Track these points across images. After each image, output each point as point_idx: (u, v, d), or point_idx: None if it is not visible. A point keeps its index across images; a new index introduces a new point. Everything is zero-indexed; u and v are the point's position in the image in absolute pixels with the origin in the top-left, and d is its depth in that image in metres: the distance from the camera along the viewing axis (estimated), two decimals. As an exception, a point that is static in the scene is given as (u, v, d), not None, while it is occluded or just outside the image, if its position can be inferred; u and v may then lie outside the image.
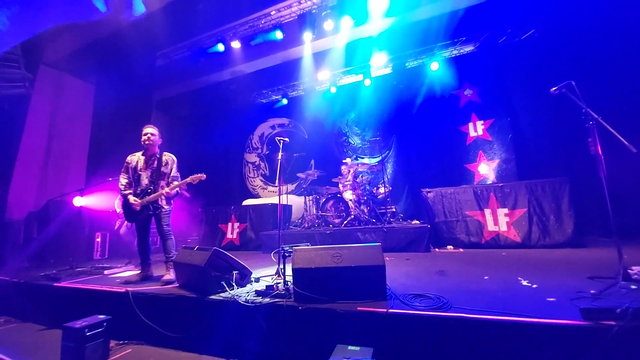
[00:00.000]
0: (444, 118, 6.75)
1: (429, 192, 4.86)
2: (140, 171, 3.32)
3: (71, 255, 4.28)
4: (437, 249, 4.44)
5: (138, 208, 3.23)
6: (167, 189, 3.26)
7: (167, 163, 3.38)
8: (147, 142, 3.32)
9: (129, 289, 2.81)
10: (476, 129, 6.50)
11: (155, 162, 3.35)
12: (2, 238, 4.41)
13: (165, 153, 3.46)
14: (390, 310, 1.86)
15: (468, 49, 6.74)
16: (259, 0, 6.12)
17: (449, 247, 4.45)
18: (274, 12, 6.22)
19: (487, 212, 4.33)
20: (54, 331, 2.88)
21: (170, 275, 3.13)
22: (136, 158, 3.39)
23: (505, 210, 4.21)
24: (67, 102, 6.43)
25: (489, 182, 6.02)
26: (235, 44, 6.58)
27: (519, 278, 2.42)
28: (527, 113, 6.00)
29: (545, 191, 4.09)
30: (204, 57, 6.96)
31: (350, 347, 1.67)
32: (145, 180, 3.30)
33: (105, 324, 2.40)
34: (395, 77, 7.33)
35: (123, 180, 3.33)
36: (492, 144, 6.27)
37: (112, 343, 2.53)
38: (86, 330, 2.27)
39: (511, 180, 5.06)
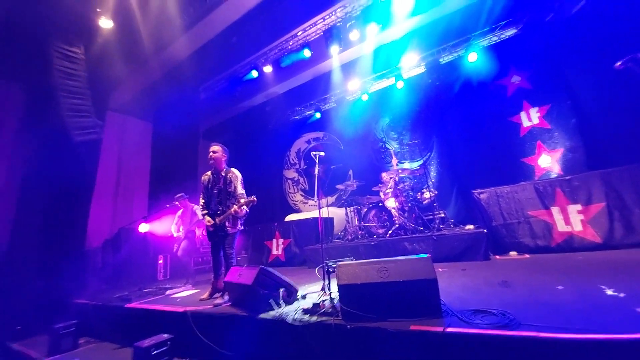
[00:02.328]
0: (490, 110, 6.22)
1: (481, 192, 4.45)
2: (212, 190, 3.30)
3: (139, 277, 4.75)
4: (497, 256, 3.99)
5: (211, 229, 3.22)
6: (235, 207, 3.09)
7: (231, 181, 3.29)
8: (211, 161, 3.32)
9: (187, 308, 3.00)
10: (530, 117, 5.86)
11: (222, 180, 3.29)
12: (84, 265, 5.12)
13: (230, 170, 3.37)
14: (448, 330, 1.69)
15: (510, 32, 6.20)
16: (286, 23, 6.42)
17: (512, 253, 3.96)
18: (300, 33, 6.45)
19: (555, 210, 3.79)
20: (127, 349, 3.17)
21: (223, 299, 3.14)
22: (207, 177, 3.37)
23: (578, 207, 3.64)
24: (130, 141, 7.36)
25: (554, 175, 5.32)
26: (267, 68, 6.94)
27: (602, 286, 2.04)
28: (591, 94, 5.23)
29: (625, 180, 3.46)
30: (240, 84, 7.47)
31: (405, 371, 1.54)
32: (215, 200, 3.25)
33: (169, 342, 2.59)
34: (429, 75, 7.02)
35: (201, 201, 3.35)
36: (552, 132, 5.57)
37: (176, 360, 2.71)
38: (152, 349, 2.47)
39: (581, 172, 4.39)
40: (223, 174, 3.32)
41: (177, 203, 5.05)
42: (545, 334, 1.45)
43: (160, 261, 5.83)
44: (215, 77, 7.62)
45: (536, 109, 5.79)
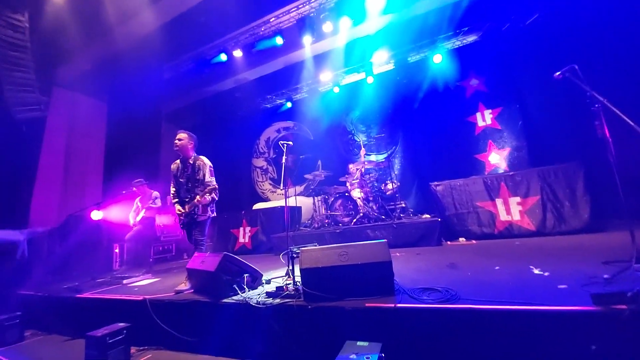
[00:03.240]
0: (451, 110, 6.65)
1: (437, 185, 4.80)
2: (179, 178, 3.26)
3: (92, 267, 4.46)
4: (448, 242, 4.38)
5: (182, 217, 3.18)
6: (198, 197, 3.08)
7: (199, 168, 3.24)
8: (176, 148, 3.26)
9: (146, 296, 2.91)
10: (484, 118, 6.37)
11: (189, 168, 3.24)
12: (27, 254, 4.66)
13: (199, 157, 3.30)
14: (398, 305, 1.86)
15: (471, 38, 6.62)
16: (258, 9, 6.22)
17: (461, 239, 4.37)
18: (273, 19, 6.30)
19: (499, 201, 4.23)
20: (78, 341, 3.00)
21: (185, 285, 3.07)
22: (176, 165, 3.32)
23: (518, 199, 4.10)
24: (81, 121, 6.72)
25: (501, 171, 5.88)
26: (237, 53, 6.70)
27: (531, 267, 2.36)
28: (537, 99, 5.84)
29: (558, 177, 3.96)
30: (208, 67, 7.13)
31: (359, 343, 1.68)
32: (184, 187, 3.23)
33: (125, 331, 2.50)
34: (397, 72, 7.28)
35: (172, 189, 3.31)
36: (501, 133, 6.13)
37: (133, 349, 2.64)
38: (108, 338, 2.37)
39: (524, 168, 4.93)
40: (191, 162, 3.26)
41: (134, 189, 4.76)
42: (480, 306, 1.67)
43: (117, 250, 5.50)
44: (181, 57, 7.19)
45: (490, 110, 6.32)
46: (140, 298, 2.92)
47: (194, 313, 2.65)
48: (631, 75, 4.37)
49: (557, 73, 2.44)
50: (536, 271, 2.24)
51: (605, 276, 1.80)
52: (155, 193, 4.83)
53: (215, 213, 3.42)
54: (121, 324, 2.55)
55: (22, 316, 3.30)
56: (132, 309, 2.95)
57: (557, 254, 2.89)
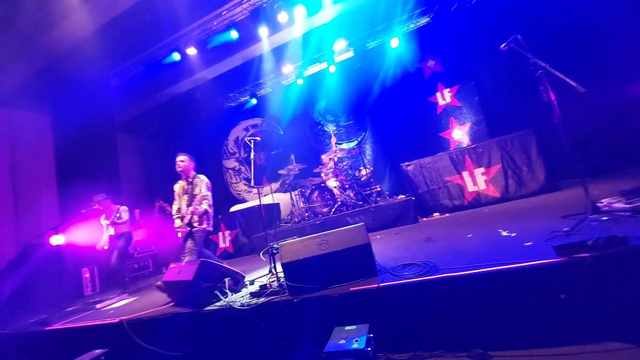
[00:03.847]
0: (412, 92, 6.84)
1: (408, 165, 4.94)
2: (181, 197, 3.56)
3: (59, 296, 4.11)
4: (424, 218, 4.56)
5: (181, 232, 3.43)
6: (190, 208, 3.40)
7: (196, 185, 3.54)
8: (179, 170, 3.56)
9: (122, 318, 2.74)
10: (444, 97, 6.62)
11: (190, 187, 3.54)
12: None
13: (197, 175, 3.62)
14: (381, 285, 1.90)
15: (424, 21, 6.79)
16: (209, 2, 5.92)
17: (435, 214, 4.57)
18: (225, 12, 6.03)
19: (465, 174, 4.45)
20: (53, 375, 2.79)
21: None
22: (178, 185, 3.62)
23: (482, 170, 4.34)
24: (24, 139, 6.07)
25: (464, 145, 6.17)
26: (191, 51, 6.35)
27: (499, 230, 2.52)
28: (489, 74, 6.15)
29: (514, 145, 4.24)
30: (160, 69, 6.70)
31: (347, 328, 1.70)
32: (183, 205, 3.51)
33: (103, 357, 2.34)
34: (358, 59, 7.33)
35: (175, 207, 3.57)
36: (461, 109, 6.41)
37: (115, 374, 2.48)
38: (84, 367, 2.21)
39: (484, 140, 5.21)
40: (190, 180, 3.57)
41: (96, 206, 4.38)
42: (456, 273, 1.75)
43: (87, 275, 5.10)
44: (129, 60, 6.69)
45: (448, 89, 6.57)
46: (117, 320, 2.75)
47: (176, 326, 2.53)
48: (571, 39, 4.73)
49: (503, 45, 2.57)
50: (504, 233, 2.39)
51: (565, 229, 1.95)
52: (123, 207, 4.50)
53: (212, 227, 3.61)
54: (98, 351, 2.39)
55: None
56: (109, 333, 2.77)
57: (521, 215, 3.10)
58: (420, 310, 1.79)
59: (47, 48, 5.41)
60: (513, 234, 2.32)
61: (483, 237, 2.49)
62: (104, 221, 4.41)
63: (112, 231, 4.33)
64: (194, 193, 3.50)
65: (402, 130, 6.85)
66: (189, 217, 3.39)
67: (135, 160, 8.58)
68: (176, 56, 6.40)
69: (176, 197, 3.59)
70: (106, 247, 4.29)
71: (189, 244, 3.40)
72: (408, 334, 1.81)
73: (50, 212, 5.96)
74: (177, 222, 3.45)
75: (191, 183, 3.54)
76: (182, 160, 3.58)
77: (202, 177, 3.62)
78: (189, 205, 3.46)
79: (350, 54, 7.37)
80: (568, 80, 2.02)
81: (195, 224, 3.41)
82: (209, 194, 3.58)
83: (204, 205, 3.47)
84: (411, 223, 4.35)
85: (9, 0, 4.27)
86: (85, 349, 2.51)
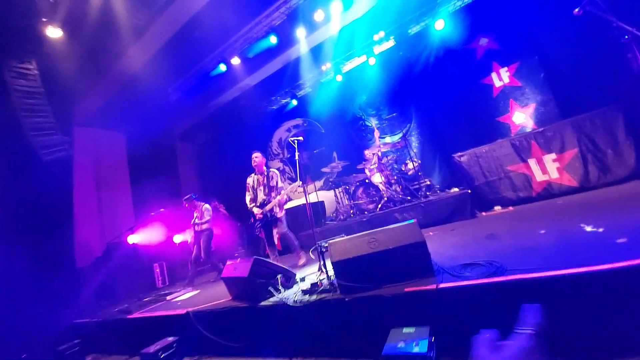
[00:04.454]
0: (463, 75, 6.27)
1: (461, 155, 4.55)
2: (257, 188, 4.04)
3: (136, 288, 4.69)
4: (483, 213, 4.14)
5: (261, 216, 3.89)
6: (278, 197, 3.88)
7: (272, 177, 4.05)
8: (254, 165, 4.08)
9: (189, 309, 3.01)
10: (501, 77, 5.95)
11: (265, 179, 4.02)
12: (78, 285, 5.01)
13: (271, 170, 4.11)
14: (441, 286, 1.76)
15: (472, -5, 6.18)
16: (248, 12, 6.19)
17: (496, 208, 4.12)
18: (263, 19, 6.24)
19: (532, 162, 3.93)
20: (135, 358, 3.17)
21: (303, 260, 3.97)
22: (252, 179, 4.13)
23: (553, 156, 3.78)
24: (104, 154, 7.07)
25: (529, 130, 5.47)
26: (235, 60, 6.71)
27: (581, 225, 2.15)
28: (556, 46, 5.33)
29: (595, 125, 3.60)
30: (210, 81, 7.22)
31: (405, 330, 1.61)
32: (261, 195, 3.98)
33: (175, 344, 2.60)
34: (400, 47, 6.96)
35: (247, 198, 4.08)
36: (522, 89, 5.69)
37: (186, 359, 2.73)
38: (160, 352, 2.48)
39: (554, 123, 4.55)
40: (265, 173, 4.07)
41: (186, 205, 4.98)
42: (530, 275, 1.53)
43: (157, 269, 5.77)
44: (183, 76, 7.34)
45: (505, 68, 5.88)
46: (184, 312, 3.02)
47: (236, 319, 2.69)
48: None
49: (576, 9, 2.19)
50: (588, 228, 2.04)
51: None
52: (205, 206, 5.03)
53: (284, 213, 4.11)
54: (171, 338, 2.65)
55: (81, 343, 3.53)
56: (178, 323, 3.05)
57: (607, 206, 2.64)
58: (484, 314, 1.61)
59: (117, 74, 6.20)
60: (600, 229, 1.97)
61: (560, 234, 2.16)
62: (196, 219, 5.00)
63: (198, 227, 4.88)
64: (271, 185, 3.93)
65: (453, 119, 6.34)
66: (272, 205, 3.84)
67: (192, 166, 9.43)
68: (222, 67, 6.83)
69: (249, 189, 4.05)
70: (190, 242, 4.84)
71: (280, 229, 3.91)
72: (469, 339, 1.64)
73: (127, 214, 6.86)
74: (257, 210, 3.89)
75: (266, 176, 3.99)
76: (257, 157, 4.07)
77: (275, 170, 4.11)
78: (267, 195, 3.90)
79: (391, 43, 7.03)
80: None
81: (277, 211, 3.89)
82: (283, 185, 4.11)
83: (286, 196, 3.99)
84: (468, 218, 3.99)
85: (79, 36, 4.96)
86: (160, 335, 2.82)
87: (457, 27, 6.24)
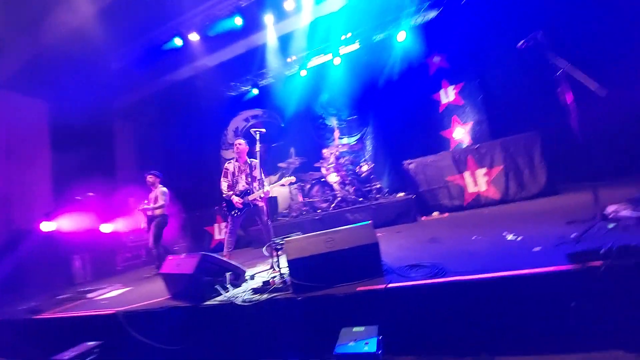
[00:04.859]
0: (417, 88, 6.74)
1: (410, 163, 4.91)
2: (238, 176, 3.89)
3: (50, 283, 4.02)
4: (423, 217, 4.55)
5: (241, 206, 3.74)
6: (267, 188, 3.61)
7: (255, 167, 3.78)
8: (237, 152, 3.93)
9: (118, 309, 2.68)
10: (448, 94, 6.55)
11: (248, 167, 3.88)
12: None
13: (253, 160, 3.89)
14: (389, 286, 1.86)
15: (432, 14, 6.65)
16: (214, -15, 5.72)
17: (434, 213, 4.56)
18: (230, -4, 5.84)
19: (467, 174, 4.44)
20: (44, 365, 2.72)
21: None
22: (232, 165, 3.96)
23: (484, 170, 4.33)
24: (20, 123, 5.86)
25: (465, 145, 6.13)
26: (194, 36, 6.17)
27: (504, 233, 2.49)
28: (496, 72, 6.05)
29: (518, 146, 4.23)
30: (161, 54, 6.51)
31: (355, 329, 1.66)
32: (242, 183, 3.86)
33: (97, 350, 2.28)
34: (364, 52, 7.19)
35: (224, 184, 3.89)
36: (464, 108, 6.35)
37: (110, 367, 2.43)
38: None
39: (485, 141, 5.17)
40: (248, 162, 3.93)
41: (149, 180, 4.50)
42: (467, 277, 1.71)
43: (77, 263, 5.00)
44: (129, 45, 6.46)
45: (453, 86, 6.50)
46: (112, 311, 2.68)
47: (175, 320, 2.47)
48: (592, 36, 4.55)
49: (521, 42, 2.46)
50: (510, 237, 2.37)
51: (573, 235, 1.93)
52: (162, 189, 4.54)
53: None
54: (91, 343, 2.33)
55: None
56: (103, 325, 2.70)
57: (523, 219, 3.09)
58: (427, 312, 1.76)
59: (47, 29, 5.18)
60: (519, 238, 2.30)
61: (488, 240, 2.47)
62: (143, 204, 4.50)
63: (150, 212, 4.44)
64: (254, 174, 3.79)
65: (404, 127, 6.77)
66: (256, 195, 3.74)
67: (130, 147, 8.37)
68: (178, 41, 6.22)
69: (228, 175, 3.90)
70: (143, 227, 4.42)
71: (263, 217, 3.70)
72: (414, 337, 1.78)
73: (44, 198, 5.80)
74: (237, 199, 3.73)
75: (249, 165, 3.88)
76: (241, 144, 3.93)
77: (257, 160, 3.77)
78: (249, 184, 3.80)
79: (356, 46, 7.22)
80: (590, 82, 1.96)
81: (259, 200, 3.78)
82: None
83: (270, 187, 3.83)
84: (411, 222, 4.34)
85: None
86: (77, 339, 2.45)
87: (416, 42, 6.67)
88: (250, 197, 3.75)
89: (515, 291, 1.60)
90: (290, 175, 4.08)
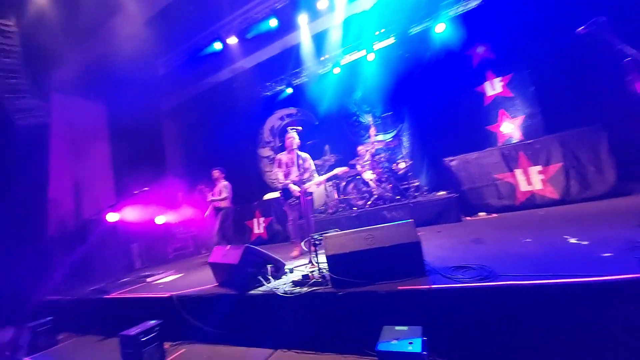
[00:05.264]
0: (458, 81, 6.36)
1: (451, 160, 4.67)
2: (289, 167, 3.93)
3: (113, 268, 4.51)
4: (468, 217, 4.29)
5: (299, 194, 3.70)
6: (322, 178, 3.86)
7: (305, 159, 3.95)
8: (288, 144, 3.96)
9: (173, 293, 2.93)
10: (494, 86, 6.10)
11: (299, 159, 3.89)
12: (50, 261, 4.74)
13: (302, 153, 3.99)
14: (434, 286, 1.80)
15: (474, 3, 6.21)
16: (250, -10, 5.95)
17: (480, 213, 4.28)
18: (265, -1, 6.02)
19: (518, 172, 4.09)
20: (112, 340, 3.06)
21: (297, 253, 3.79)
22: (285, 156, 4.02)
23: (539, 168, 3.96)
24: (84, 125, 6.64)
25: (515, 140, 5.68)
26: (232, 40, 6.46)
27: (565, 236, 2.27)
28: (548, 61, 5.51)
29: (580, 142, 3.80)
30: (202, 58, 6.93)
31: (397, 328, 1.64)
32: (295, 174, 3.84)
33: (157, 328, 2.53)
34: (399, 46, 6.95)
35: (280, 174, 3.95)
36: (513, 100, 5.87)
37: (167, 345, 2.68)
38: (141, 336, 2.40)
39: (539, 136, 4.73)
40: (299, 154, 3.94)
41: (215, 175, 4.99)
42: (521, 282, 1.59)
43: (136, 250, 5.58)
44: (173, 51, 6.98)
45: (500, 78, 6.03)
46: (167, 295, 2.94)
47: (221, 306, 2.65)
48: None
49: (581, 28, 2.23)
50: (573, 240, 2.15)
51: (651, 240, 1.71)
52: (224, 183, 4.98)
53: None
54: (152, 322, 2.57)
55: (53, 321, 3.37)
56: (160, 306, 2.98)
57: (588, 221, 2.79)
58: (477, 318, 1.67)
59: (103, 39, 5.79)
60: (585, 242, 2.08)
61: (546, 243, 2.26)
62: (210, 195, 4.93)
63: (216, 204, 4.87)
64: (305, 166, 3.87)
65: (444, 123, 6.44)
66: (313, 183, 3.81)
67: (178, 146, 9.07)
68: (217, 45, 6.55)
69: (282, 165, 3.95)
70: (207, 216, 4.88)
71: (307, 212, 3.67)
72: (462, 341, 1.71)
73: (106, 190, 6.53)
74: (294, 187, 3.75)
75: (299, 157, 3.89)
76: (292, 136, 3.95)
77: (307, 154, 4.03)
78: (300, 175, 3.74)
79: (391, 40, 7.01)
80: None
81: (311, 191, 3.83)
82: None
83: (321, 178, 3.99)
84: (453, 221, 4.12)
85: None
86: (139, 317, 2.73)
87: (456, 33, 6.29)
88: (306, 186, 3.75)
89: (580, 301, 1.45)
90: (322, 172, 4.09)
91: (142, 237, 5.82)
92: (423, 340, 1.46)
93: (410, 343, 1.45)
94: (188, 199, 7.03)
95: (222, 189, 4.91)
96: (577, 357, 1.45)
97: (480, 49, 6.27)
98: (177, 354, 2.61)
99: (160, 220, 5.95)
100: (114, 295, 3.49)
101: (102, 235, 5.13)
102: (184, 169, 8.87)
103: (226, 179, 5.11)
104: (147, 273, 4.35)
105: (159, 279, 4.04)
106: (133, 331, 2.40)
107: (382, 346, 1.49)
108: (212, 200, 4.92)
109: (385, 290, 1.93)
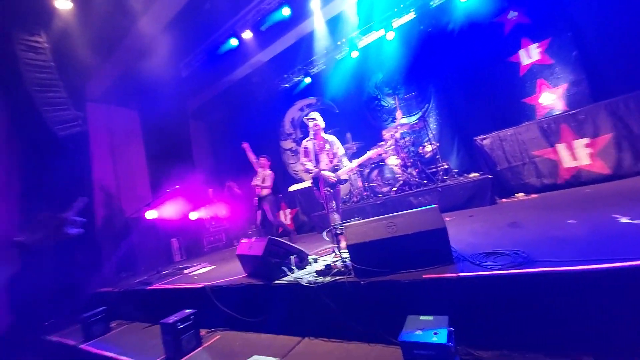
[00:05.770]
0: (487, 52, 5.84)
1: (484, 138, 4.34)
2: (319, 154, 3.63)
3: (156, 261, 4.88)
4: (503, 200, 3.99)
5: (334, 181, 3.45)
6: (354, 163, 3.56)
7: (333, 143, 3.64)
8: (314, 130, 3.63)
9: (206, 284, 3.09)
10: (530, 54, 5.52)
11: (327, 144, 3.63)
12: (98, 258, 5.26)
13: (328, 136, 3.68)
14: (462, 274, 1.70)
15: (503, -37, 5.61)
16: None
17: (518, 194, 3.96)
18: (276, -12, 5.92)
19: (561, 147, 3.70)
20: (157, 326, 3.32)
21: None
22: (311, 143, 3.67)
23: (585, 141, 3.54)
24: (119, 131, 7.15)
25: (557, 112, 5.13)
26: (247, 34, 6.47)
27: (615, 216, 2.02)
28: (592, 22, 4.85)
29: (631, 108, 3.33)
30: (221, 57, 7.03)
31: (422, 317, 1.58)
32: (325, 160, 3.58)
33: (193, 316, 2.69)
34: (420, 21, 6.52)
35: (308, 163, 3.62)
36: (553, 68, 5.27)
37: (203, 332, 2.85)
38: (178, 324, 2.57)
39: (586, 105, 4.23)
40: (326, 138, 3.65)
41: (262, 162, 5.08)
42: (561, 268, 1.44)
43: (175, 244, 5.99)
44: (193, 52, 7.16)
45: (536, 44, 5.43)
46: (201, 285, 3.11)
47: (251, 296, 2.75)
48: None
49: None
50: (624, 220, 1.91)
51: None
52: (267, 172, 5.06)
53: None
54: (188, 310, 2.75)
55: (106, 310, 3.74)
56: (195, 296, 3.16)
57: (643, 197, 2.46)
58: (511, 308, 1.55)
59: (127, 48, 6.09)
60: (637, 221, 1.83)
61: (592, 224, 2.03)
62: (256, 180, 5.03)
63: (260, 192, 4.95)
64: (334, 151, 3.59)
65: (474, 99, 5.99)
66: (346, 169, 3.52)
67: (204, 144, 9.47)
68: (233, 42, 6.60)
69: (309, 154, 3.63)
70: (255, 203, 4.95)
71: (337, 201, 3.57)
72: (493, 330, 1.60)
73: (145, 191, 7.04)
74: (328, 174, 3.46)
75: (327, 141, 3.62)
76: (314, 118, 3.66)
77: (334, 136, 3.71)
78: (331, 161, 3.56)
79: (411, 15, 6.59)
80: None
81: (345, 176, 3.57)
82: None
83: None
84: (487, 204, 3.85)
85: (89, 9, 4.82)
86: (178, 306, 2.92)
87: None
88: (340, 172, 3.50)
89: (634, 286, 1.28)
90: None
91: (179, 232, 6.24)
92: (449, 331, 1.39)
93: (435, 333, 1.38)
94: (218, 195, 7.34)
95: (267, 177, 4.97)
96: (633, 350, 1.29)
97: (512, 15, 5.68)
98: (213, 340, 2.76)
99: (193, 215, 6.30)
100: (155, 286, 3.77)
101: (143, 232, 5.57)
102: (211, 166, 9.26)
103: (271, 168, 5.16)
104: (184, 265, 4.65)
105: (194, 271, 4.29)
106: (171, 319, 2.57)
107: (405, 336, 1.44)
108: (256, 186, 4.96)
109: (409, 279, 1.86)
